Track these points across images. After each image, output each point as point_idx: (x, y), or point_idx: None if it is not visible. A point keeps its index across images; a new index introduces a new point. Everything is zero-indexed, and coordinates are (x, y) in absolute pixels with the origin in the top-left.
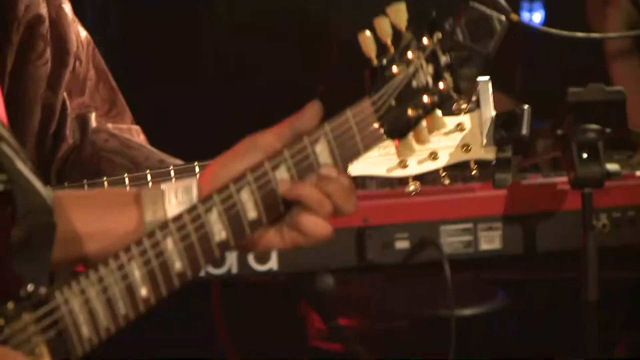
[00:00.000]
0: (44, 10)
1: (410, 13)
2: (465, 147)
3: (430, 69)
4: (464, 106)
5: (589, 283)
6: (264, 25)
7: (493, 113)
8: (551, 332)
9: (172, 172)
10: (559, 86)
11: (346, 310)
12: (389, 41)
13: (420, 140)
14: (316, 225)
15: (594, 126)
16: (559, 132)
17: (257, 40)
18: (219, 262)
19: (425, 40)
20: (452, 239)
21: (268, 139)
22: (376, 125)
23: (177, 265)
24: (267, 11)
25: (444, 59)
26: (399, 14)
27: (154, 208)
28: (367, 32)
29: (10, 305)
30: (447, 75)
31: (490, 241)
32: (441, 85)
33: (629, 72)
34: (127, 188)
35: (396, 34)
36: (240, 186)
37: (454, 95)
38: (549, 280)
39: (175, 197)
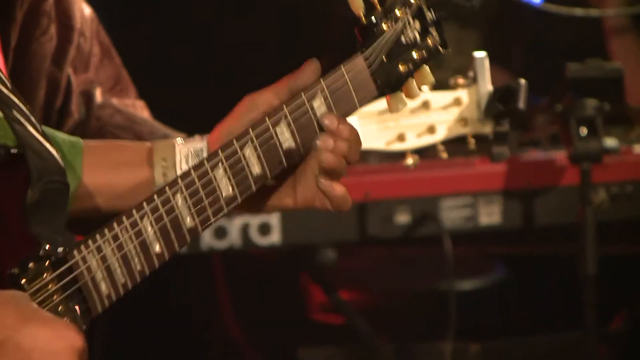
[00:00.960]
0: None
1: None
2: (463, 121)
3: (417, 25)
4: (461, 81)
5: (587, 257)
6: (267, 1)
7: (490, 88)
8: (550, 305)
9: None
10: (557, 62)
11: (347, 283)
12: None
13: (410, 95)
14: (332, 185)
15: (592, 102)
16: (558, 107)
17: (259, 17)
18: (222, 235)
19: None
20: (452, 214)
21: (267, 97)
22: (370, 79)
23: (188, 220)
24: None
25: (429, 15)
26: None
27: (165, 167)
28: None
29: (31, 264)
30: (433, 31)
31: (490, 215)
32: (429, 40)
33: (627, 48)
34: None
35: None
36: (243, 143)
37: (441, 50)
38: (548, 255)
39: (187, 162)
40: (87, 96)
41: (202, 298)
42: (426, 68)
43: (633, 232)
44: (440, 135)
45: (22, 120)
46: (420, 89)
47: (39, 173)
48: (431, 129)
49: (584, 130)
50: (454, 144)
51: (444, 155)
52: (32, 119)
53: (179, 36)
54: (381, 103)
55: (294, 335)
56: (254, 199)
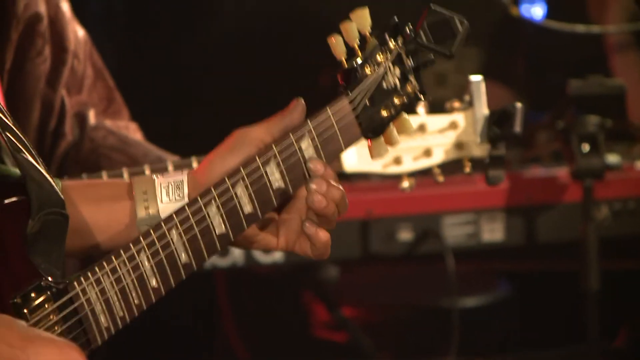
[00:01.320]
0: (42, 8)
1: (376, 16)
2: (459, 144)
3: (397, 71)
4: (457, 105)
5: (590, 273)
6: (269, 13)
7: (486, 111)
8: (553, 321)
9: (170, 168)
10: (559, 78)
11: (350, 300)
12: (356, 45)
13: (390, 141)
14: (317, 231)
15: (594, 118)
16: (560, 124)
17: (261, 29)
18: (224, 253)
19: (390, 44)
20: (454, 231)
21: (258, 133)
22: (355, 122)
23: (183, 256)
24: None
25: (408, 62)
26: (363, 19)
27: (146, 202)
28: (337, 36)
29: (33, 295)
30: (412, 78)
31: (492, 232)
32: (408, 87)
33: (629, 65)
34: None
35: (362, 37)
36: (234, 181)
37: (420, 97)
38: (551, 271)
39: (167, 195)
40: (81, 118)
41: (205, 316)
42: (405, 116)
43: (635, 248)
44: (436, 158)
45: (22, 148)
46: (399, 137)
47: (40, 204)
48: (427, 152)
49: (586, 147)
50: (450, 167)
51: (440, 178)
52: (32, 149)
53: (174, 59)
54: None
55: (297, 352)
56: (241, 237)
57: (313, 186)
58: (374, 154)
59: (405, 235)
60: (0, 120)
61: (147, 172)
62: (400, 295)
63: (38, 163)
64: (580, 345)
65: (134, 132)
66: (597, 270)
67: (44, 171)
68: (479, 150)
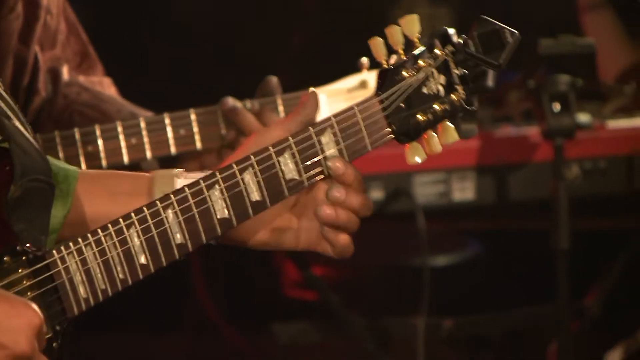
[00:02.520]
0: None
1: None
2: None
3: (442, 79)
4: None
5: (560, 232)
6: None
7: None
8: (523, 280)
9: (142, 124)
10: (530, 38)
11: (320, 260)
12: (400, 49)
13: (430, 149)
14: (348, 244)
15: (565, 78)
16: (531, 83)
17: None
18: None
19: (437, 51)
20: (425, 190)
21: (275, 132)
22: (384, 123)
23: (178, 237)
24: None
25: (456, 71)
26: (412, 25)
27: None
28: (378, 38)
29: (6, 258)
30: (459, 87)
31: (463, 191)
32: (453, 96)
33: (600, 24)
34: (100, 141)
35: (407, 43)
36: (243, 167)
37: (467, 107)
38: (522, 230)
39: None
40: (54, 73)
41: (176, 276)
42: (450, 125)
43: (606, 207)
44: None
45: (11, 115)
46: (441, 146)
47: (23, 170)
48: None
49: (556, 106)
50: None
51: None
52: (21, 116)
53: (148, 11)
54: (351, 80)
55: (268, 311)
56: (254, 233)
57: (330, 194)
58: (409, 158)
59: (376, 194)
60: None
61: (120, 128)
62: (371, 254)
63: (27, 131)
64: (550, 304)
65: (108, 87)
66: (568, 229)
67: (32, 139)
68: None
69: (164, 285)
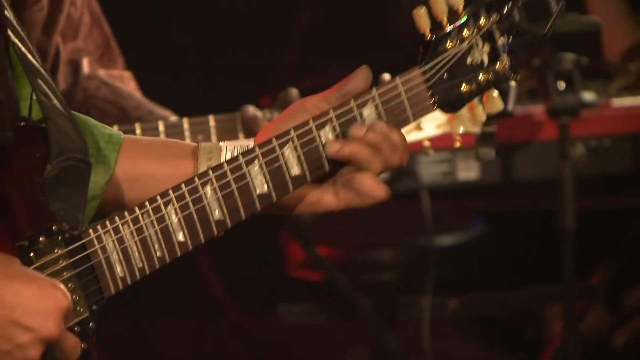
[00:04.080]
0: None
1: None
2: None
3: (486, 48)
4: None
5: (566, 211)
6: None
7: None
8: (529, 259)
9: (160, 127)
10: None
11: (326, 240)
12: (444, 19)
13: (474, 117)
14: (370, 185)
15: (570, 56)
16: (535, 61)
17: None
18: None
19: (482, 20)
20: (430, 169)
21: (316, 102)
22: (427, 94)
23: (217, 213)
24: None
25: (501, 40)
26: None
27: (209, 163)
28: (422, 8)
29: (42, 238)
30: (504, 56)
31: (468, 171)
32: (498, 65)
33: (604, 2)
34: None
35: (452, 13)
36: (283, 142)
37: (511, 76)
38: (527, 209)
39: (232, 155)
40: (75, 65)
41: (181, 256)
42: (495, 93)
43: (611, 186)
44: (427, 132)
45: (49, 92)
46: (486, 114)
47: (60, 148)
48: (418, 126)
49: (561, 85)
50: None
51: (431, 152)
52: (59, 94)
53: (171, 9)
54: None
55: (273, 291)
56: (292, 200)
57: (350, 132)
58: (453, 127)
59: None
60: (32, 65)
61: (138, 131)
62: (376, 234)
63: (64, 109)
64: (556, 283)
65: (128, 81)
66: (573, 208)
67: (69, 117)
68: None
69: (169, 265)
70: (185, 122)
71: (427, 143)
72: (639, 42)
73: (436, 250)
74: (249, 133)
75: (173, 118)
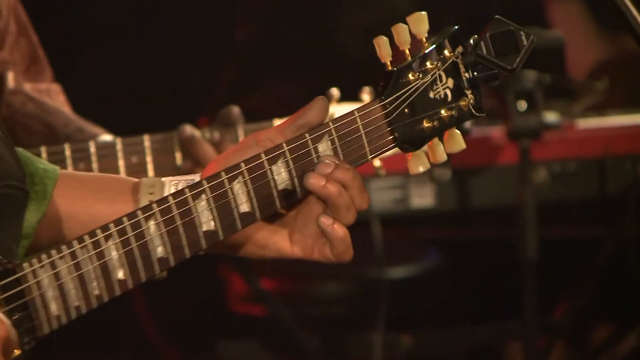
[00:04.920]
0: None
1: (431, 26)
2: None
3: (450, 82)
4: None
5: (527, 241)
6: None
7: None
8: (487, 293)
9: (92, 148)
10: None
11: (270, 272)
12: (406, 49)
13: (435, 157)
14: (333, 225)
15: (531, 74)
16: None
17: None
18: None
19: (446, 52)
20: (381, 196)
21: (270, 135)
22: (386, 129)
23: (160, 250)
24: None
25: (466, 75)
26: (420, 23)
27: (151, 198)
28: (383, 37)
29: None
30: (468, 92)
31: (422, 197)
32: (462, 102)
33: (569, 15)
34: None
35: (415, 42)
36: (232, 176)
37: (476, 114)
38: (485, 239)
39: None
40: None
41: (121, 294)
42: (457, 132)
43: (576, 214)
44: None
45: None
46: (447, 154)
47: None
48: None
49: (522, 105)
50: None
51: (383, 172)
52: None
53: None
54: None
55: (212, 328)
56: (242, 239)
57: (318, 168)
58: (411, 168)
59: None
60: None
61: (67, 152)
62: (323, 265)
63: (2, 133)
64: (517, 319)
65: (56, 95)
66: (535, 238)
67: (6, 142)
68: None
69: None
70: (119, 142)
71: (378, 163)
72: (606, 59)
73: (388, 282)
74: (187, 154)
75: (105, 137)
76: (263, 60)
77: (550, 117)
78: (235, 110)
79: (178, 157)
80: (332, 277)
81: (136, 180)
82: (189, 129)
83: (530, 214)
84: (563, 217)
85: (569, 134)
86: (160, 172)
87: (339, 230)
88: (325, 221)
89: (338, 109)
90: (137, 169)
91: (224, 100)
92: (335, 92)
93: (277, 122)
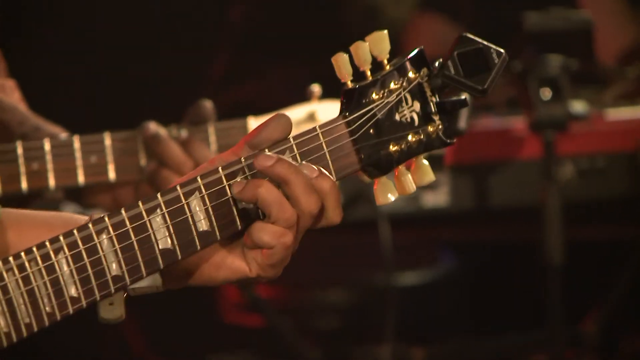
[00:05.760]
0: None
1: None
2: None
3: (416, 106)
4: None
5: (552, 244)
6: None
7: None
8: (508, 301)
9: (46, 147)
10: (514, 11)
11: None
12: (367, 70)
13: (403, 188)
14: (273, 233)
15: (556, 59)
16: (516, 66)
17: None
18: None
19: (410, 74)
20: None
21: (225, 157)
22: (352, 148)
23: (114, 267)
24: None
25: (433, 99)
26: (381, 43)
27: None
28: (343, 54)
29: None
30: (435, 117)
31: (435, 196)
32: (429, 127)
33: None
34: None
35: (376, 64)
36: (189, 190)
37: (445, 141)
38: (505, 241)
39: None
40: None
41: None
42: (424, 163)
43: (606, 214)
44: None
45: None
46: (416, 186)
47: None
48: None
49: (546, 93)
50: None
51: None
52: None
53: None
54: (297, 111)
55: (203, 341)
56: (201, 262)
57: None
58: (379, 197)
59: None
60: None
61: (20, 150)
62: (326, 271)
63: None
64: (541, 330)
65: (10, 91)
66: (560, 240)
67: None
68: None
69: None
70: (76, 140)
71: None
72: (638, 42)
73: (397, 290)
74: (152, 155)
75: (64, 135)
76: (259, 44)
77: (577, 106)
78: (207, 105)
79: (142, 158)
80: (335, 284)
81: (86, 218)
82: (152, 127)
83: (554, 214)
84: (591, 217)
85: (597, 125)
86: (122, 173)
87: (282, 238)
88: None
89: (320, 108)
90: (96, 170)
91: (214, 90)
92: (316, 88)
93: (252, 120)
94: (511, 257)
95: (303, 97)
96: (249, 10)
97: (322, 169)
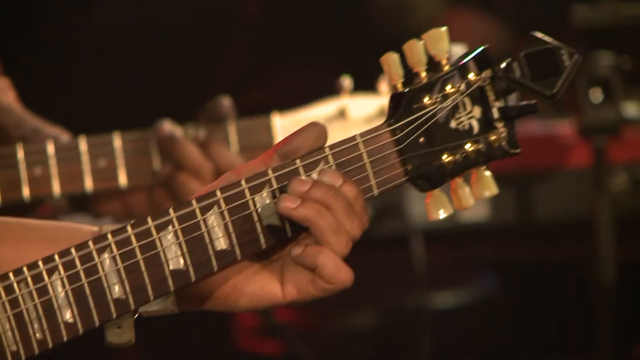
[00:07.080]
0: None
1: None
2: None
3: (477, 112)
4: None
5: (603, 261)
6: None
7: None
8: (553, 323)
9: (49, 149)
10: (560, 5)
11: None
12: (422, 71)
13: (460, 202)
14: (333, 264)
15: (607, 57)
16: None
17: None
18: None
19: (471, 76)
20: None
21: (253, 167)
22: (396, 159)
23: (116, 289)
24: None
25: (497, 104)
26: (439, 41)
27: None
28: (393, 54)
29: None
30: (500, 125)
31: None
32: (491, 135)
33: None
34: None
35: (433, 64)
36: (206, 205)
37: (509, 152)
38: (551, 259)
39: None
40: None
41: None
42: (486, 174)
43: None
44: None
45: None
46: (475, 199)
47: None
48: None
49: (597, 94)
50: None
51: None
52: None
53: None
54: (326, 107)
55: None
56: (221, 284)
57: (289, 187)
58: (431, 212)
59: None
60: None
61: (20, 154)
62: (352, 292)
63: None
64: (589, 355)
65: (5, 92)
66: (612, 257)
67: None
68: None
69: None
70: (83, 143)
71: None
72: None
73: (432, 312)
74: (166, 157)
75: (68, 137)
76: (282, 38)
77: (631, 109)
78: (226, 102)
79: (155, 159)
80: (363, 306)
81: (96, 228)
82: (167, 126)
83: (606, 228)
84: None
85: None
86: (133, 177)
87: (340, 275)
88: (295, 251)
89: (352, 103)
90: (105, 175)
91: (227, 90)
92: (347, 81)
93: (276, 117)
94: (557, 276)
95: (330, 92)
96: (270, 3)
97: (347, 177)
